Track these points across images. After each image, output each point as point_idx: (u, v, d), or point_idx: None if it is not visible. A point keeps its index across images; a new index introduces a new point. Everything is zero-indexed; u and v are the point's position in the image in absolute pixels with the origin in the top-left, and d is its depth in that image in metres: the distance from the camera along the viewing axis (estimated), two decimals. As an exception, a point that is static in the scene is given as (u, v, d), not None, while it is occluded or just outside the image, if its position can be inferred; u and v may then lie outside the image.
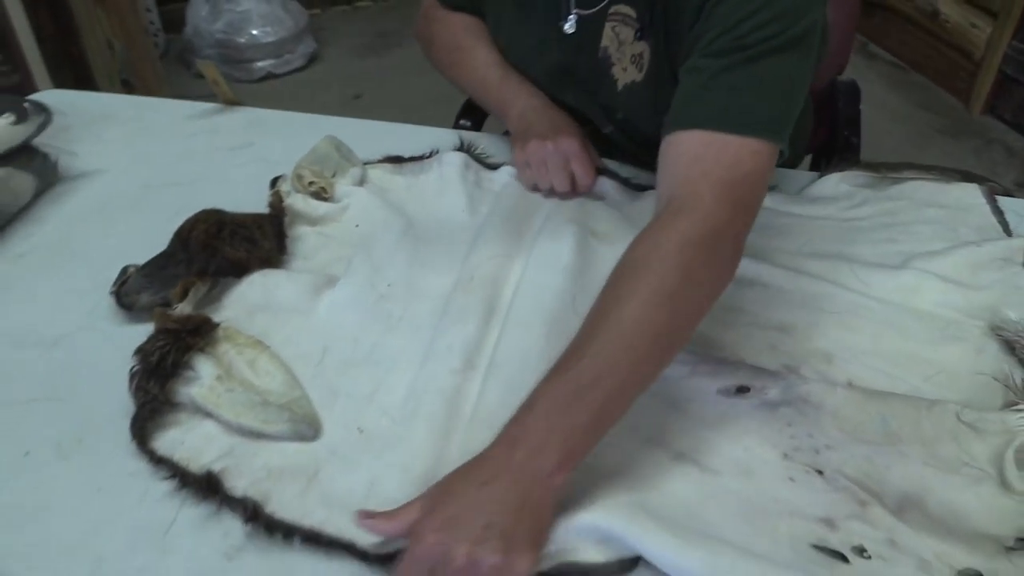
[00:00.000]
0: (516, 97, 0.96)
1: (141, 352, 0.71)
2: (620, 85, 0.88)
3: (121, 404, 0.69)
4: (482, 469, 0.56)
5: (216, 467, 0.63)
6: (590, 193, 0.92)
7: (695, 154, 0.68)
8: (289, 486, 0.62)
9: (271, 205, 0.88)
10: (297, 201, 0.89)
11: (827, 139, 1.12)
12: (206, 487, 0.62)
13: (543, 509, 0.55)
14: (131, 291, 0.78)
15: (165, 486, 0.63)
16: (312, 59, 2.82)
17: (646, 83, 0.85)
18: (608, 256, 0.81)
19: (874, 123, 2.43)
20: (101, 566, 0.58)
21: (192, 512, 0.62)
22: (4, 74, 1.60)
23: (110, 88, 1.90)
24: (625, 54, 0.87)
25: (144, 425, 0.67)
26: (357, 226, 0.89)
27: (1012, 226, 0.85)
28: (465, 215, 0.89)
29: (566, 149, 0.90)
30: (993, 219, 0.85)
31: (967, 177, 0.89)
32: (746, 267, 0.79)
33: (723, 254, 0.65)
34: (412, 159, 0.97)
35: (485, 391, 0.68)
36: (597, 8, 0.87)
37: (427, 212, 0.91)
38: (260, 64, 2.66)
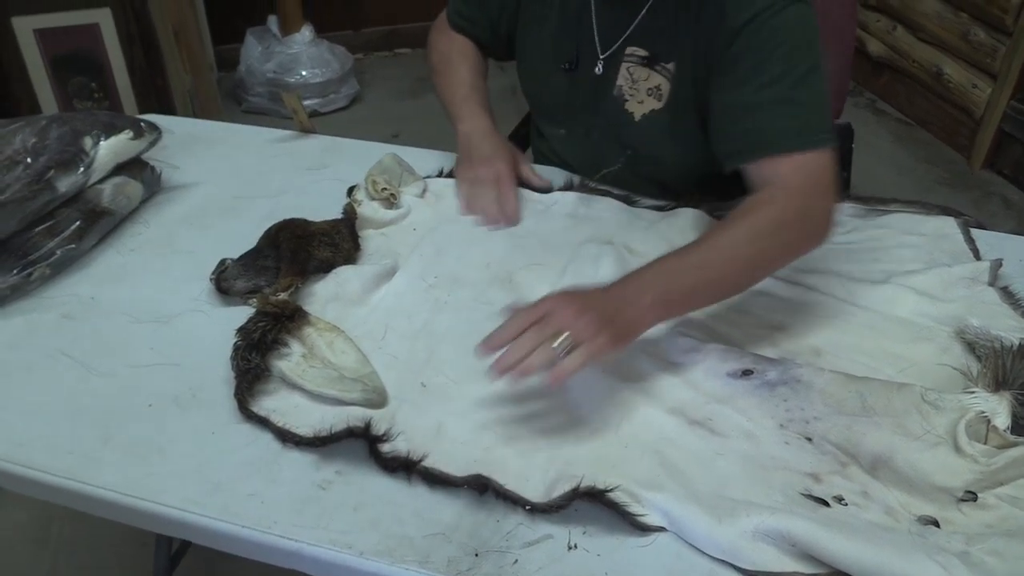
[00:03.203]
0: (469, 117, 1.12)
1: (243, 331, 0.84)
2: (638, 116, 1.03)
3: (227, 369, 0.82)
4: (599, 289, 0.76)
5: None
6: (627, 212, 1.06)
7: (782, 173, 0.86)
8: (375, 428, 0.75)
9: (346, 211, 1.03)
10: (367, 209, 1.04)
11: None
12: (310, 440, 0.75)
13: (632, 324, 0.75)
14: (229, 277, 0.93)
15: (270, 431, 0.77)
16: (354, 100, 3.01)
17: (666, 110, 1.01)
18: (639, 264, 0.95)
19: (881, 175, 2.60)
20: (218, 490, 0.71)
21: (291, 454, 0.75)
22: (97, 99, 1.79)
23: (185, 117, 2.08)
24: (640, 89, 1.03)
25: (247, 389, 0.79)
26: (414, 230, 1.04)
27: (982, 253, 0.98)
28: (510, 231, 1.04)
29: (497, 172, 1.05)
30: (966, 247, 0.98)
31: (945, 211, 1.03)
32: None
33: (810, 223, 0.85)
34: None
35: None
36: (611, 51, 1.03)
37: (473, 220, 1.05)
38: (306, 103, 2.85)
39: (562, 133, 1.16)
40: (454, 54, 1.19)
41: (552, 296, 0.73)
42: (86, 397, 0.81)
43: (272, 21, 2.88)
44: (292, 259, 0.93)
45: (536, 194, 1.09)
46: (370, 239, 1.03)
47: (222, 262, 0.95)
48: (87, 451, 0.75)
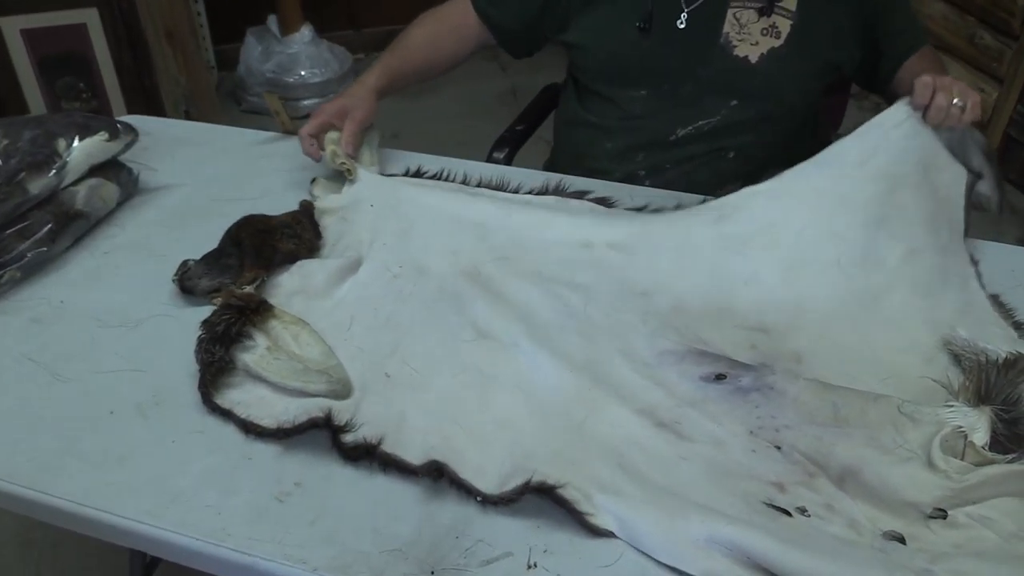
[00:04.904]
0: (368, 74, 1.18)
1: (208, 323, 0.84)
2: (754, 58, 1.06)
3: (191, 375, 0.81)
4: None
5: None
6: (604, 211, 1.04)
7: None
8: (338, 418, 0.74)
9: (302, 204, 1.04)
10: (322, 202, 1.05)
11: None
12: (273, 432, 0.74)
13: None
14: (193, 276, 0.92)
15: (230, 440, 0.75)
16: (353, 99, 3.00)
17: (787, 45, 1.05)
18: (622, 263, 0.93)
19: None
20: (176, 501, 0.70)
21: (250, 464, 0.74)
22: (85, 100, 1.79)
23: (175, 117, 2.08)
24: (751, 32, 1.05)
25: (211, 382, 0.79)
26: (372, 206, 1.02)
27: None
28: (477, 219, 1.01)
29: (343, 106, 1.12)
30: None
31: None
32: (742, 267, 0.91)
33: None
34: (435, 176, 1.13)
35: (496, 356, 0.82)
36: (702, 1, 1.05)
37: (440, 208, 1.03)
38: (306, 103, 2.85)
39: (642, 95, 1.14)
40: (426, 25, 1.21)
41: (928, 77, 0.97)
42: (49, 403, 0.80)
43: (272, 21, 2.88)
44: (257, 254, 0.92)
45: (509, 194, 1.08)
46: (331, 227, 1.02)
47: (184, 263, 0.94)
48: (47, 459, 0.74)
